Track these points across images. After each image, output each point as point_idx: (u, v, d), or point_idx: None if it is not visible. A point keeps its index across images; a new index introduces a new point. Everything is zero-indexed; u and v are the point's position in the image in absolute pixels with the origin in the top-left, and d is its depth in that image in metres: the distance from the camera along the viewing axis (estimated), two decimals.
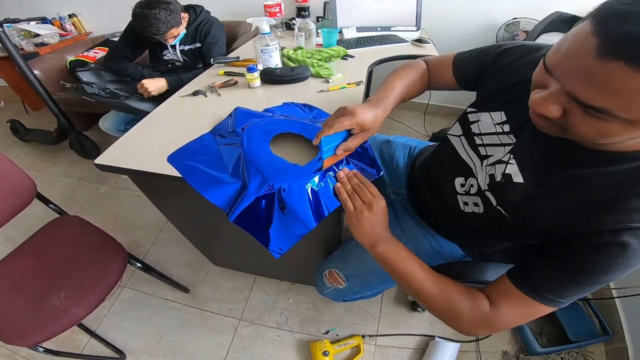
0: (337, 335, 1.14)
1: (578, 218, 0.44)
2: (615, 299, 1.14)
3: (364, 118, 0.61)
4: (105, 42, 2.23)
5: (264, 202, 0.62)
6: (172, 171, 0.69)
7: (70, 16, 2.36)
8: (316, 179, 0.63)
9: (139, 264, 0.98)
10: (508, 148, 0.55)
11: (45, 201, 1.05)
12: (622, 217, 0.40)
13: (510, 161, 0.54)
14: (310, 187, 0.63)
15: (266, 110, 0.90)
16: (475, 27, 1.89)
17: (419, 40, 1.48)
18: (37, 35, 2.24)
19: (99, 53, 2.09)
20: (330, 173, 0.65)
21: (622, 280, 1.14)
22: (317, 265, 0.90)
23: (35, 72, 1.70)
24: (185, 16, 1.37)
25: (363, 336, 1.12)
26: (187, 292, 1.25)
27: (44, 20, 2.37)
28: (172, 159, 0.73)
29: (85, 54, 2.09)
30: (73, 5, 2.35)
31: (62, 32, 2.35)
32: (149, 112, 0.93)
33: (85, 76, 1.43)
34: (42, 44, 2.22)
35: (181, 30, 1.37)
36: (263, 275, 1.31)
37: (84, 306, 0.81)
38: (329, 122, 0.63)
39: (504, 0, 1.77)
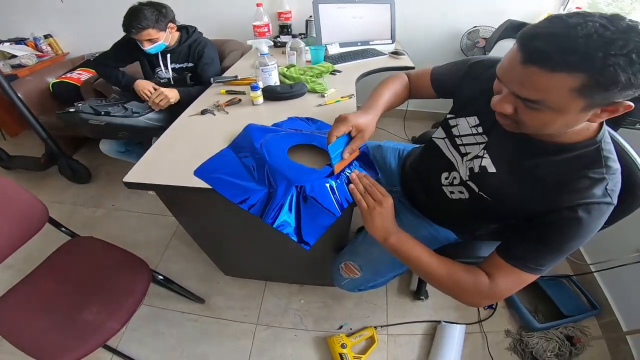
0: (351, 328, 1.22)
1: (540, 198, 0.57)
2: (594, 274, 1.28)
3: (357, 121, 0.72)
4: (86, 62, 2.23)
5: (292, 201, 0.71)
6: (198, 184, 0.76)
7: (45, 37, 2.32)
8: (332, 181, 0.73)
9: (160, 277, 1.02)
10: (482, 145, 0.69)
11: (57, 225, 1.07)
12: (575, 196, 0.53)
13: (484, 156, 0.68)
14: (329, 185, 0.72)
15: (275, 125, 0.99)
16: (442, 36, 2.09)
17: (396, 53, 1.64)
18: (14, 56, 2.19)
19: (83, 74, 2.08)
20: (344, 173, 0.75)
21: (596, 255, 1.29)
22: (332, 261, 0.98)
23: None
24: (172, 27, 1.40)
25: (375, 327, 1.21)
26: (202, 302, 1.29)
27: (17, 42, 2.33)
28: (199, 173, 0.80)
29: (68, 75, 2.07)
30: (47, 25, 2.32)
31: (39, 53, 2.31)
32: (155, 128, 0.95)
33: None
34: (20, 66, 2.17)
35: (161, 39, 1.36)
36: (273, 281, 1.37)
37: (118, 319, 0.85)
38: (330, 132, 0.72)
39: (465, 11, 1.98)
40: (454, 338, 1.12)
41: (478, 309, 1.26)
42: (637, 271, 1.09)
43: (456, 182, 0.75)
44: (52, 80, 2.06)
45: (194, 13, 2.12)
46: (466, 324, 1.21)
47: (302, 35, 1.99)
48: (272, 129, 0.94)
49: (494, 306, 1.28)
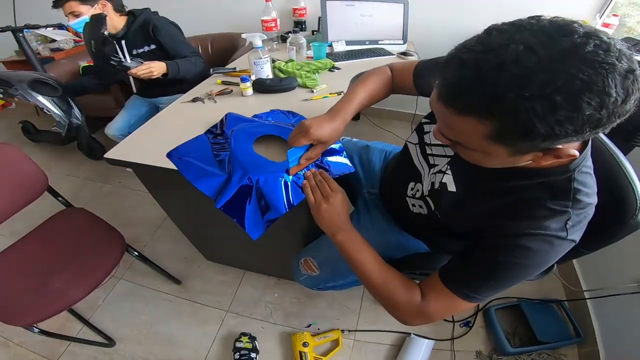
0: (319, 328, 1.20)
1: (491, 222, 0.51)
2: (587, 300, 1.18)
3: (318, 135, 0.68)
4: None
5: (244, 191, 0.72)
6: (171, 166, 0.79)
7: None
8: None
9: (136, 253, 1.06)
10: (448, 159, 0.63)
11: (55, 194, 1.14)
12: (527, 224, 0.47)
13: (447, 172, 0.63)
14: (283, 180, 0.72)
15: (255, 116, 1.00)
16: (460, 39, 1.99)
17: (404, 53, 1.59)
18: (54, 40, 2.38)
19: None
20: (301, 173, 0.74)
21: (593, 281, 1.19)
22: (295, 255, 0.97)
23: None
24: (104, 3, 1.34)
25: (343, 330, 1.18)
26: (179, 283, 1.33)
27: (60, 27, 2.53)
28: (170, 155, 0.83)
29: None
30: None
31: (77, 38, 2.49)
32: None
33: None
34: (58, 49, 2.37)
35: (85, 14, 1.32)
36: (251, 271, 1.38)
37: (82, 288, 0.89)
38: (290, 139, 0.71)
39: (487, 13, 1.87)
40: (419, 353, 1.07)
41: (453, 325, 1.20)
42: (632, 302, 0.98)
43: (418, 195, 0.71)
44: (82, 63, 2.21)
45: (207, 7, 2.20)
46: (437, 339, 1.15)
47: (315, 32, 1.99)
48: (248, 119, 0.95)
49: (470, 324, 1.20)
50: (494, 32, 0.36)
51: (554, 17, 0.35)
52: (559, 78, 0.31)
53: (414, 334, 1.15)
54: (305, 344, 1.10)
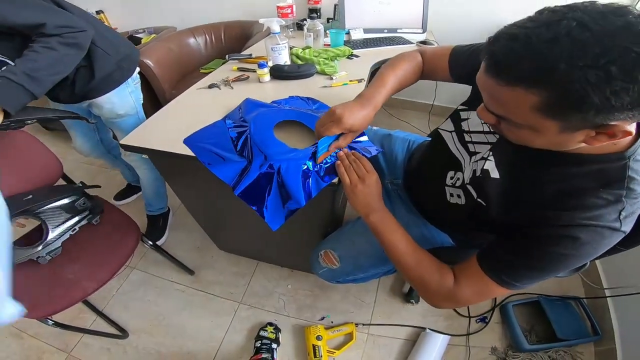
0: (332, 322, 1.19)
1: (539, 212, 0.48)
2: (607, 299, 1.15)
3: (351, 124, 0.67)
4: (129, 38, 2.34)
5: (265, 178, 0.69)
6: (187, 152, 0.77)
7: (97, 12, 2.46)
8: (311, 163, 0.70)
9: (150, 242, 1.05)
10: (490, 146, 0.60)
11: (69, 182, 1.13)
12: (577, 214, 0.44)
13: (489, 158, 0.60)
14: (305, 167, 0.69)
15: (273, 102, 0.97)
16: (482, 29, 1.92)
17: (424, 42, 1.54)
18: None
19: None
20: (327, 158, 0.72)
21: (615, 280, 1.16)
22: (315, 246, 0.95)
23: None
24: None
25: (357, 324, 1.16)
26: (192, 274, 1.32)
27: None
28: (188, 141, 0.80)
29: None
30: (101, 1, 2.45)
31: None
32: None
33: None
34: None
35: None
36: (265, 262, 1.37)
37: (96, 280, 0.88)
38: (320, 129, 0.69)
39: (510, 3, 1.81)
40: (434, 348, 1.05)
41: (469, 320, 1.17)
42: None
43: (458, 183, 0.68)
44: None
45: None
46: (452, 335, 1.13)
47: (331, 20, 1.94)
48: (266, 104, 0.92)
49: (486, 320, 1.18)
50: (546, 12, 0.37)
51: (608, 5, 0.35)
52: (614, 51, 0.31)
53: (429, 329, 1.13)
54: (318, 338, 1.08)
